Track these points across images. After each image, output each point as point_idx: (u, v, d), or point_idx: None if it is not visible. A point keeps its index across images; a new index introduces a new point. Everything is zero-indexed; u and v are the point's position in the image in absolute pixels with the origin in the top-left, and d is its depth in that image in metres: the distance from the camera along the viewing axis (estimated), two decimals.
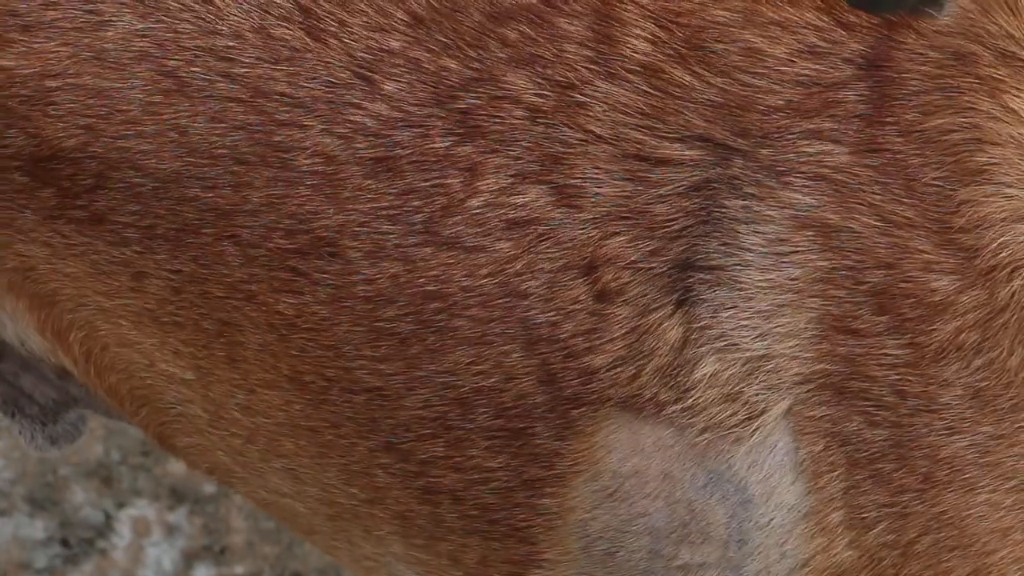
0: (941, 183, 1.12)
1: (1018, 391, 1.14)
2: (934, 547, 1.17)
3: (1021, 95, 1.08)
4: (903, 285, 1.15)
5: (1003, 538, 1.14)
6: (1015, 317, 1.15)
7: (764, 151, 1.13)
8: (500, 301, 1.20)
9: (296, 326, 1.23)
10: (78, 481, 1.84)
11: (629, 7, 1.14)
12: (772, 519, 1.19)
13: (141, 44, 1.21)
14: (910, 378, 1.15)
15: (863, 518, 1.17)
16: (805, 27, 1.11)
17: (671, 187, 1.15)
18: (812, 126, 1.13)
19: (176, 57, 1.22)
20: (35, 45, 1.22)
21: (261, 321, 1.25)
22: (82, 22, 1.19)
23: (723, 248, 1.15)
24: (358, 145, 1.18)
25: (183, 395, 1.32)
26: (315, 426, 1.28)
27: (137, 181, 1.25)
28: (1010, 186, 1.12)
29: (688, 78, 1.13)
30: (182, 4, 1.19)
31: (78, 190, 1.26)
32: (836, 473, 1.17)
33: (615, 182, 1.16)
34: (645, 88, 1.15)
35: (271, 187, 1.22)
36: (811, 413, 1.15)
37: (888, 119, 1.13)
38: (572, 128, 1.17)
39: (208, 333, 1.28)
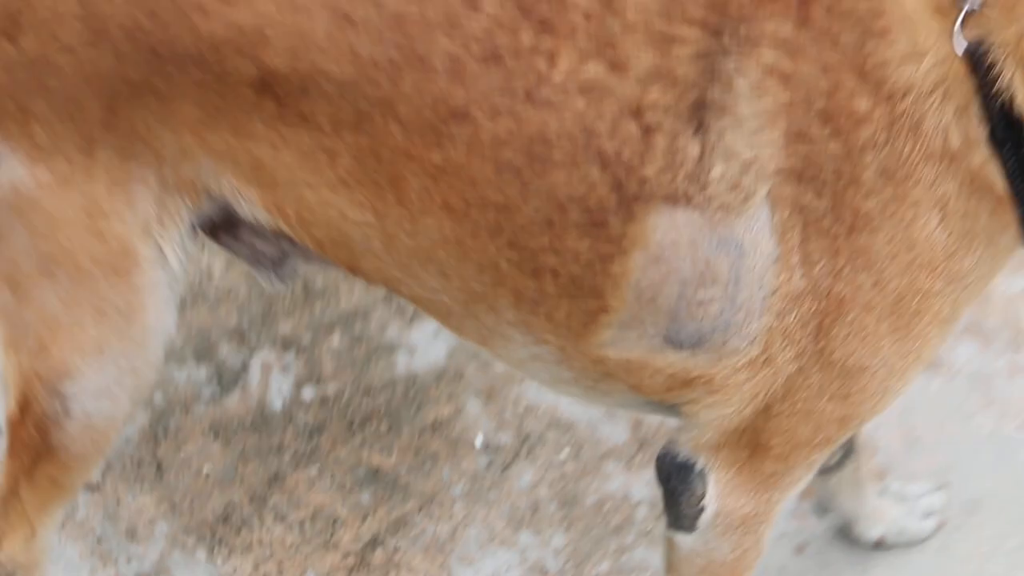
0: (856, 40, 1.45)
1: (908, 167, 1.47)
2: (852, 271, 1.52)
3: None
4: (837, 106, 1.48)
5: (892, 258, 1.49)
6: (906, 122, 1.46)
7: (742, 28, 1.48)
8: (581, 138, 1.52)
9: (444, 170, 1.56)
10: (224, 340, 2.48)
11: None
12: (756, 264, 1.52)
13: None
14: (843, 164, 1.48)
15: (810, 257, 1.50)
16: None
17: (685, 55, 1.49)
18: (769, 11, 1.47)
19: (345, 3, 1.52)
20: (254, 5, 1.52)
21: (418, 170, 1.57)
22: None
23: (722, 92, 1.48)
24: (472, 47, 1.51)
25: (367, 233, 1.64)
26: (459, 237, 1.60)
27: (327, 88, 1.54)
28: (899, 41, 1.44)
29: None
30: None
31: (289, 99, 1.55)
32: (796, 230, 1.51)
33: (647, 55, 1.49)
34: None
35: (418, 81, 1.53)
36: (781, 192, 1.49)
37: (815, 3, 1.47)
38: (615, 19, 1.49)
39: (382, 186, 1.59)
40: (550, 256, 1.58)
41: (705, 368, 1.60)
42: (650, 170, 1.51)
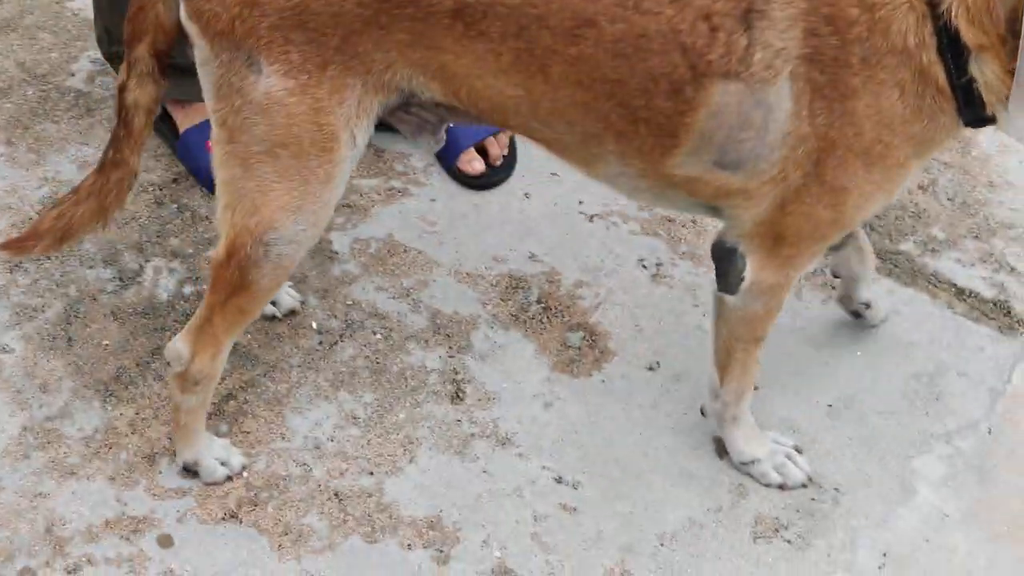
0: None
1: (880, 56, 1.96)
2: (840, 123, 2.02)
3: None
4: (837, 13, 1.96)
5: (867, 118, 2.01)
6: (881, 25, 1.95)
7: None
8: (670, 34, 1.99)
9: (578, 58, 2.03)
10: (127, 250, 2.81)
11: None
12: (779, 116, 2.02)
13: None
14: (840, 53, 1.97)
15: (814, 113, 2.01)
16: None
17: None
18: None
19: None
20: None
21: (560, 60, 2.04)
22: None
23: (763, 3, 1.96)
24: None
25: (519, 102, 2.11)
26: (585, 100, 2.08)
27: (500, 11, 2.01)
28: None
29: None
30: None
31: (473, 21, 2.02)
32: (806, 95, 2.00)
33: None
34: None
35: (562, 4, 2.00)
36: (798, 70, 1.98)
37: None
38: None
39: (532, 71, 2.06)
40: (644, 111, 2.06)
41: (742, 183, 2.10)
42: (714, 55, 1.99)
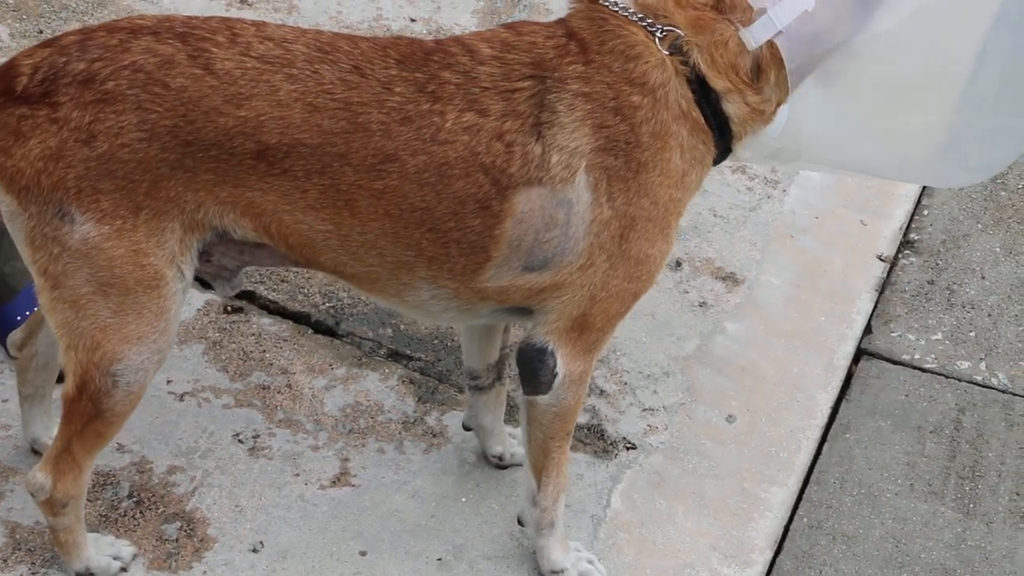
0: (622, 64, 2.19)
1: (666, 127, 2.21)
2: (637, 198, 2.23)
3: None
4: (621, 103, 2.20)
5: (659, 185, 2.24)
6: (662, 100, 2.22)
7: (555, 74, 2.19)
8: (470, 157, 2.18)
9: (384, 192, 2.19)
10: None
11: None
12: (579, 209, 2.22)
13: (294, 94, 2.12)
14: (629, 136, 2.20)
15: (612, 196, 2.22)
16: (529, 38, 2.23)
17: (523, 97, 2.19)
18: (567, 61, 2.19)
19: (311, 97, 2.13)
20: (254, 106, 2.12)
21: (366, 195, 2.19)
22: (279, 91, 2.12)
23: (550, 114, 2.18)
24: (393, 115, 2.15)
25: (328, 236, 2.24)
26: (395, 230, 2.23)
27: (303, 151, 2.15)
28: (646, 57, 2.21)
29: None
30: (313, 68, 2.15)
31: (276, 160, 2.16)
32: (603, 182, 2.21)
33: (501, 102, 2.18)
34: (498, 66, 2.19)
35: (362, 140, 2.15)
36: (593, 162, 2.20)
37: (591, 50, 2.19)
38: (479, 90, 2.18)
39: (339, 207, 2.20)
40: (455, 232, 2.22)
41: (551, 279, 2.26)
42: (514, 168, 2.18)
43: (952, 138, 2.40)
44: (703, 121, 2.23)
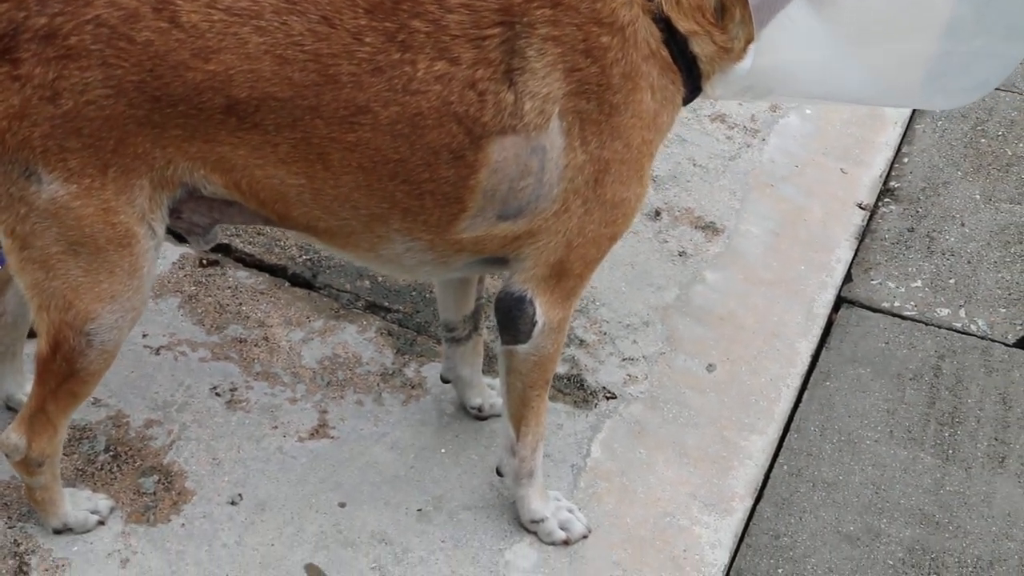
0: (589, 5, 2.13)
1: (636, 67, 2.17)
2: (611, 141, 2.20)
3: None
4: (591, 45, 2.15)
5: (632, 127, 2.19)
6: (631, 40, 2.16)
7: (524, 19, 2.12)
8: (442, 107, 2.12)
9: (357, 144, 2.14)
10: None
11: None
12: (553, 155, 2.19)
13: (263, 47, 2.06)
14: (600, 78, 2.15)
15: (586, 140, 2.19)
16: None
17: (493, 44, 2.13)
18: (536, 5, 2.13)
19: (281, 49, 2.06)
20: (222, 59, 2.05)
21: (339, 147, 2.14)
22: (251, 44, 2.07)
23: (520, 60, 2.13)
24: (363, 66, 2.09)
25: (300, 191, 2.19)
26: (369, 183, 2.18)
27: (273, 104, 2.09)
28: None
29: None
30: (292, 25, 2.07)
31: (246, 115, 2.10)
32: (576, 127, 2.17)
33: (472, 50, 2.12)
34: (467, 14, 2.11)
35: (333, 92, 2.10)
36: (566, 107, 2.15)
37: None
38: (449, 38, 2.11)
39: (312, 160, 2.15)
40: (429, 183, 2.18)
41: (526, 226, 2.22)
42: (487, 117, 2.14)
43: (935, 62, 2.38)
44: (671, 60, 2.21)
